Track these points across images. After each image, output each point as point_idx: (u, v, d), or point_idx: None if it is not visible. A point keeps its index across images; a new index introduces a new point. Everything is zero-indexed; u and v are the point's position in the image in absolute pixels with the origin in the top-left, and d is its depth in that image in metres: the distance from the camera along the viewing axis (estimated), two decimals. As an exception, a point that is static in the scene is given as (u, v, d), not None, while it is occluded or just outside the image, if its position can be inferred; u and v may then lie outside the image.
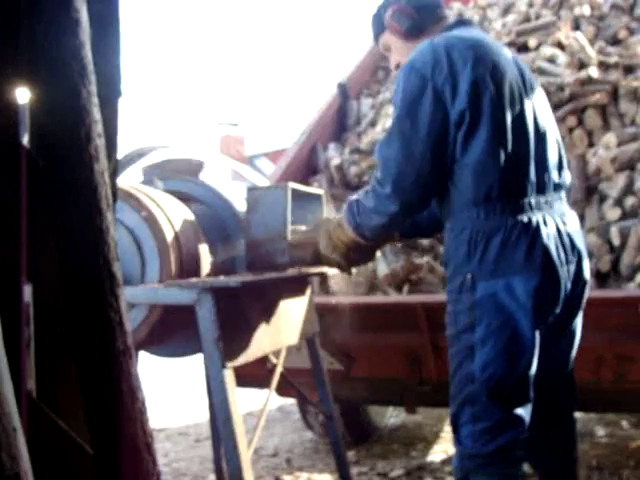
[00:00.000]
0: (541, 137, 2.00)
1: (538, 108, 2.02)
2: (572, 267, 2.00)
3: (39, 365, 1.18)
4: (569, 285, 2.00)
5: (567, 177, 2.11)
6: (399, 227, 2.19)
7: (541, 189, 1.98)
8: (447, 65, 1.89)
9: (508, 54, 2.05)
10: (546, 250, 1.92)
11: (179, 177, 2.64)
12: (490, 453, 1.97)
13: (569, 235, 1.99)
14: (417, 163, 1.92)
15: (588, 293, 2.13)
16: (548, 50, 4.12)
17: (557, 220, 1.98)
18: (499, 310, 1.94)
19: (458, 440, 2.04)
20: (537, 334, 1.97)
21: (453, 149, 1.93)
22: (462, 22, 2.17)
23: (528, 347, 1.96)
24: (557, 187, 2.03)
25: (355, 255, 2.24)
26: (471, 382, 1.99)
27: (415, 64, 1.94)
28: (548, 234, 1.94)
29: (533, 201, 1.95)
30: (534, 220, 1.93)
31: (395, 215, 2.00)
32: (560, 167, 2.06)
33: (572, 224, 2.03)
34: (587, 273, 2.07)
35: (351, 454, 3.81)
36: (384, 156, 1.99)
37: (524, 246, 1.92)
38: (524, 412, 2.00)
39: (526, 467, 2.29)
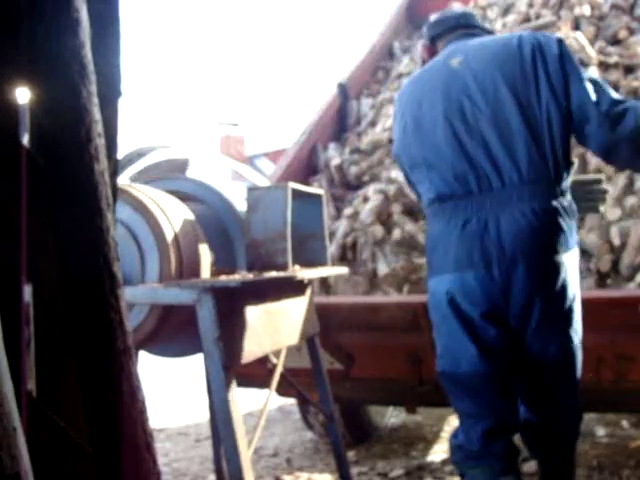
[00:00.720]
0: (474, 140, 2.00)
1: (481, 109, 2.01)
2: (508, 263, 1.94)
3: (39, 365, 1.18)
4: (506, 286, 1.95)
5: (523, 172, 1.99)
6: None
7: (469, 192, 2.00)
8: (398, 96, 2.36)
9: (453, 64, 2.11)
10: (457, 251, 1.99)
11: (179, 177, 2.64)
12: (471, 443, 2.05)
13: (501, 233, 1.95)
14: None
15: (583, 290, 2.17)
16: (548, 50, 4.12)
17: (488, 219, 1.97)
18: (437, 307, 2.09)
19: (454, 434, 2.16)
20: (470, 331, 2.00)
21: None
22: (447, 43, 2.28)
23: (465, 344, 2.00)
24: (502, 185, 1.98)
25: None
26: (438, 374, 2.14)
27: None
28: (464, 235, 1.98)
29: (458, 205, 2.02)
30: (452, 222, 2.03)
31: None
32: (515, 163, 1.98)
33: (515, 222, 1.95)
34: (547, 270, 1.97)
35: (351, 454, 3.81)
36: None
37: (442, 248, 2.04)
38: (491, 406, 2.03)
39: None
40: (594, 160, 3.41)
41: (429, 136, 2.10)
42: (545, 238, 1.97)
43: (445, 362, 2.08)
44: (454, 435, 2.15)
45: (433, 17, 2.49)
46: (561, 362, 2.12)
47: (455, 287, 2.00)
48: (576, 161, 3.39)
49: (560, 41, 2.07)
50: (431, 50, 2.35)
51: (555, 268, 1.99)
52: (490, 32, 2.39)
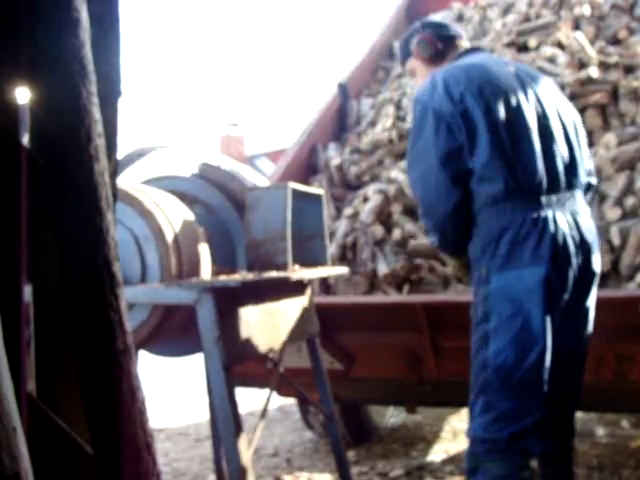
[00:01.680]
0: (548, 139, 2.17)
1: (546, 113, 2.21)
2: (580, 260, 2.13)
3: (39, 365, 1.18)
4: (577, 276, 2.12)
5: (582, 176, 2.26)
6: (453, 237, 2.26)
7: (551, 188, 2.14)
8: (443, 88, 2.16)
9: (508, 69, 2.27)
10: (554, 243, 2.07)
11: (179, 177, 2.64)
12: (501, 440, 2.06)
13: (579, 231, 2.13)
14: (433, 175, 2.15)
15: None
16: (548, 50, 4.11)
17: (567, 217, 2.13)
18: (510, 300, 2.08)
19: (472, 428, 2.14)
20: (548, 324, 2.07)
21: (462, 159, 2.14)
22: (471, 50, 2.43)
23: (539, 336, 2.07)
24: (569, 186, 2.19)
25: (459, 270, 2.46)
26: (485, 368, 2.12)
27: (418, 97, 2.25)
28: (556, 229, 2.09)
29: (542, 199, 2.11)
30: (542, 216, 2.09)
31: (439, 228, 2.23)
32: (573, 167, 2.21)
33: (584, 221, 2.18)
34: (597, 266, 2.20)
35: (351, 454, 3.81)
36: (411, 181, 2.30)
37: (533, 240, 2.07)
38: (536, 402, 2.08)
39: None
40: (594, 160, 3.41)
41: (519, 129, 2.14)
42: (596, 237, 2.23)
43: (509, 354, 2.07)
44: (475, 428, 2.13)
45: (426, 20, 2.63)
46: (583, 357, 2.27)
47: (553, 276, 2.07)
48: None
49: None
50: (437, 46, 2.43)
51: (599, 264, 2.25)
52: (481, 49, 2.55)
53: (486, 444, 2.09)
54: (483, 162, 2.11)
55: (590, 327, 2.24)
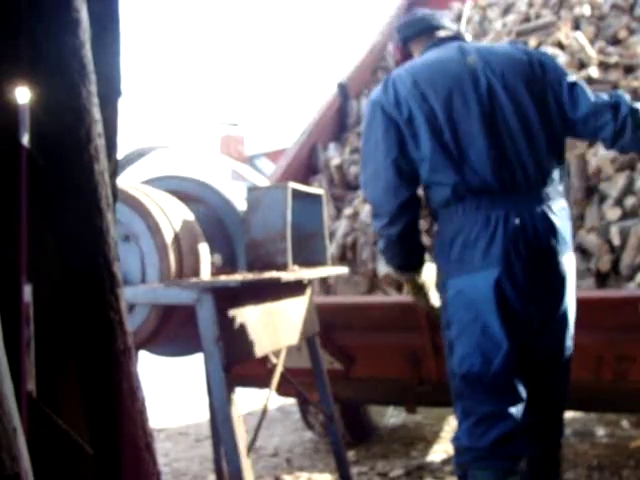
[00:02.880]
0: (504, 137, 2.08)
1: (503, 107, 2.11)
2: (543, 262, 2.05)
3: (39, 365, 1.18)
4: (542, 279, 2.06)
5: (550, 169, 2.13)
6: (401, 242, 2.21)
7: (504, 189, 2.06)
8: (392, 91, 2.16)
9: (467, 62, 2.17)
10: (505, 245, 2.01)
11: (179, 177, 2.64)
12: (484, 447, 2.03)
13: (539, 232, 2.04)
14: (382, 173, 2.13)
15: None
16: (548, 50, 4.11)
17: (525, 217, 2.04)
18: (466, 307, 2.05)
19: (456, 437, 2.11)
20: (509, 328, 2.02)
21: (411, 162, 2.13)
22: (433, 44, 2.32)
23: (500, 341, 2.02)
24: (529, 184, 2.09)
25: (417, 291, 2.39)
26: (453, 377, 2.11)
27: (371, 96, 2.25)
28: (509, 231, 2.01)
29: (495, 200, 2.05)
30: (493, 218, 2.03)
31: (386, 227, 2.17)
32: (537, 162, 2.10)
33: (547, 222, 2.07)
34: (568, 267, 2.12)
35: (351, 454, 3.81)
36: (362, 183, 2.26)
37: (483, 243, 2.02)
38: (513, 407, 2.04)
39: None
40: (594, 160, 3.41)
41: (464, 128, 2.09)
42: (565, 236, 2.11)
43: (472, 361, 2.04)
44: (458, 437, 2.10)
45: (404, 19, 2.57)
46: (568, 359, 2.20)
47: (505, 280, 2.01)
48: (575, 163, 3.41)
49: (552, 57, 2.34)
50: (404, 51, 2.43)
51: (571, 265, 2.16)
52: (461, 36, 2.42)
53: (471, 452, 2.06)
54: (428, 168, 2.09)
55: (571, 329, 2.19)
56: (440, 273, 2.17)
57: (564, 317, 2.16)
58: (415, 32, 2.39)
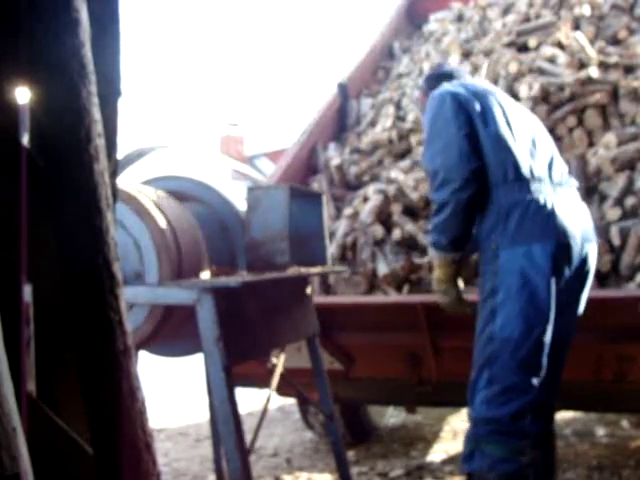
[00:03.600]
0: (536, 142, 2.38)
1: (528, 122, 2.45)
2: (580, 250, 2.23)
3: (39, 365, 1.18)
4: (577, 265, 2.23)
5: (569, 177, 2.41)
6: (466, 210, 2.31)
7: (552, 178, 2.30)
8: (462, 88, 2.41)
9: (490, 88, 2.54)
10: (561, 224, 2.20)
11: (179, 177, 2.64)
12: (502, 418, 2.12)
13: (578, 219, 2.26)
14: (455, 144, 2.28)
15: (590, 288, 2.33)
16: (548, 50, 4.11)
17: (571, 207, 2.27)
18: (518, 274, 2.16)
19: (473, 408, 2.18)
20: (553, 300, 2.15)
21: (478, 139, 2.30)
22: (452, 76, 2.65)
23: (544, 310, 2.15)
24: (566, 182, 2.34)
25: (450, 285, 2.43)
26: (491, 342, 2.18)
27: (434, 93, 2.45)
28: (562, 212, 2.22)
29: (548, 185, 2.27)
30: (549, 199, 2.23)
31: (457, 192, 2.26)
32: (562, 167, 2.38)
33: (582, 213, 2.32)
34: (593, 259, 2.31)
35: (351, 454, 3.81)
36: (429, 157, 2.37)
37: (540, 218, 2.20)
38: (537, 380, 2.15)
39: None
40: (594, 160, 3.41)
41: (519, 128, 2.36)
42: (592, 229, 2.35)
43: (516, 326, 2.14)
44: (476, 407, 2.17)
45: (431, 71, 2.86)
46: (570, 344, 2.30)
47: (559, 253, 2.17)
48: (575, 163, 3.41)
49: None
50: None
51: (595, 254, 2.36)
52: None
53: (489, 425, 2.14)
54: (494, 145, 2.27)
55: (576, 324, 2.31)
56: (488, 246, 2.26)
57: (577, 309, 2.31)
58: (440, 81, 2.60)
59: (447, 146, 2.30)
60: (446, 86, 2.46)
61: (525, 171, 2.26)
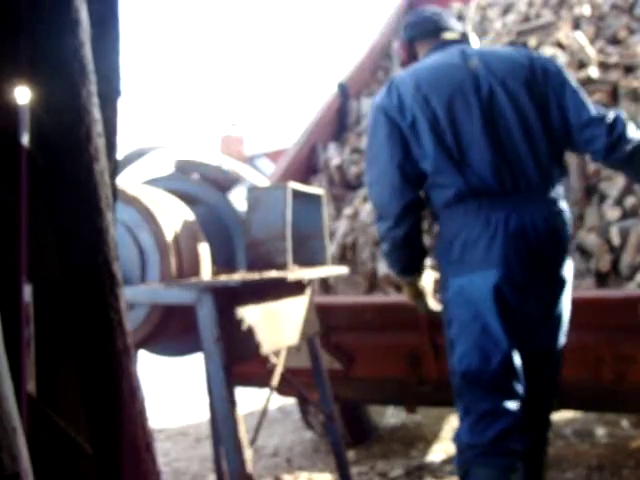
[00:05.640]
0: (504, 140, 2.13)
1: (503, 111, 2.15)
2: (542, 264, 2.10)
3: (39, 365, 1.18)
4: (540, 280, 2.11)
5: (551, 171, 2.18)
6: (404, 245, 2.24)
7: (505, 191, 2.10)
8: (396, 96, 2.21)
9: (469, 66, 2.21)
10: (505, 247, 2.05)
11: (179, 177, 2.64)
12: (485, 444, 2.05)
13: (539, 235, 2.08)
14: (387, 177, 2.17)
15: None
16: (548, 50, 4.11)
17: (526, 220, 2.08)
18: (466, 306, 2.08)
19: (457, 435, 2.14)
20: (507, 328, 2.06)
21: (416, 163, 2.17)
22: (438, 46, 2.37)
23: (499, 340, 2.06)
24: (530, 187, 2.12)
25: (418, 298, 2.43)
26: (453, 374, 2.15)
27: (374, 102, 2.29)
28: (509, 233, 2.06)
29: (495, 202, 2.09)
30: (494, 219, 2.07)
31: (391, 229, 2.20)
32: (537, 165, 2.14)
33: (546, 224, 2.11)
34: (566, 272, 2.19)
35: (351, 454, 3.81)
36: (367, 183, 2.31)
37: (483, 243, 2.06)
38: (512, 404, 2.08)
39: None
40: (594, 160, 3.41)
41: (466, 132, 2.13)
42: (564, 239, 2.17)
43: (471, 360, 2.09)
44: (459, 435, 2.13)
45: (411, 17, 2.57)
46: (559, 357, 2.26)
47: (504, 281, 2.05)
48: (575, 163, 3.41)
49: (556, 61, 2.36)
50: (410, 50, 2.47)
51: (570, 267, 2.23)
52: (467, 37, 2.43)
53: (473, 449, 2.08)
54: (431, 170, 2.14)
55: (564, 330, 2.25)
56: (441, 273, 2.21)
57: (559, 318, 2.22)
58: (421, 33, 2.43)
59: (380, 177, 2.20)
60: (384, 90, 2.26)
61: (468, 193, 2.09)
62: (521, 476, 2.11)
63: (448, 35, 2.39)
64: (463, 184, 2.10)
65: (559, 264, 2.16)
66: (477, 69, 2.20)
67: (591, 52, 3.91)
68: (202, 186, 2.63)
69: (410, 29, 2.47)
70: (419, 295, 2.40)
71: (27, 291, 1.15)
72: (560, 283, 2.18)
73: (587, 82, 3.71)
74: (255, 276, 2.18)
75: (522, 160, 2.13)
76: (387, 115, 2.20)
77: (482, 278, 2.06)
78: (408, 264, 2.30)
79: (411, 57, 2.46)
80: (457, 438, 2.14)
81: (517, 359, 2.09)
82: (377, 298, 3.24)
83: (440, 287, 2.23)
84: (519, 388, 2.10)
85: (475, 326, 2.07)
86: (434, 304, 2.42)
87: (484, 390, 2.08)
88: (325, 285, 3.49)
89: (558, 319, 2.21)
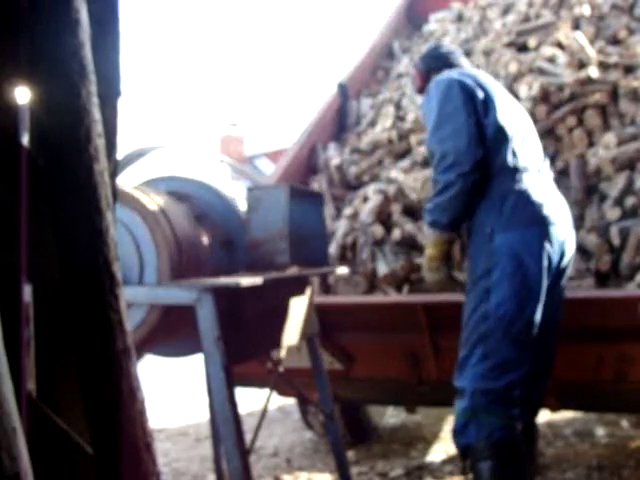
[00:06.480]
0: (528, 136, 2.57)
1: (520, 114, 2.62)
2: (563, 234, 2.41)
3: (39, 365, 1.18)
4: (561, 246, 2.39)
5: (547, 167, 2.62)
6: (470, 193, 2.42)
7: (538, 169, 2.49)
8: (468, 76, 2.55)
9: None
10: (549, 212, 2.38)
11: (179, 177, 2.64)
12: (499, 389, 2.24)
13: (561, 209, 2.47)
14: (465, 129, 2.41)
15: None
16: (548, 50, 4.11)
17: (553, 196, 2.47)
18: (513, 257, 2.31)
19: (467, 380, 2.29)
20: (544, 281, 2.30)
21: (482, 129, 2.44)
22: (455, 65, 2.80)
23: (536, 290, 2.29)
24: (547, 173, 2.56)
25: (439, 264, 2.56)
26: (485, 320, 2.30)
27: (443, 78, 2.57)
28: (549, 202, 2.40)
29: (537, 176, 2.45)
30: (539, 190, 2.41)
31: (465, 174, 2.38)
32: (541, 159, 2.58)
33: (563, 203, 2.52)
34: (572, 242, 2.50)
35: (351, 454, 3.81)
36: (437, 140, 2.46)
37: (533, 206, 2.36)
38: (528, 355, 2.29)
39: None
40: (594, 160, 3.41)
41: (515, 122, 2.52)
42: (570, 218, 2.53)
43: (510, 306, 2.27)
44: (471, 380, 2.27)
45: (428, 52, 2.89)
46: (558, 326, 2.43)
47: (550, 238, 2.35)
48: (575, 163, 3.41)
49: None
50: (426, 79, 2.78)
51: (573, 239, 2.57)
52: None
53: (487, 396, 2.25)
54: (492, 135, 2.42)
55: (562, 306, 2.46)
56: (484, 225, 2.39)
57: (562, 290, 2.47)
58: (438, 66, 2.76)
59: (457, 131, 2.41)
60: (450, 73, 2.58)
61: (519, 162, 2.42)
62: (521, 429, 2.29)
63: (457, 59, 2.81)
64: (513, 154, 2.43)
65: (571, 239, 2.48)
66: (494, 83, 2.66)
67: (591, 52, 3.91)
68: (202, 186, 2.63)
69: (428, 61, 2.82)
70: (444, 258, 2.51)
71: (27, 291, 1.15)
72: (570, 260, 2.48)
73: (587, 82, 3.71)
74: (255, 276, 2.18)
75: (539, 151, 2.59)
76: (464, 87, 2.48)
77: (532, 234, 2.33)
78: (460, 215, 2.46)
79: (425, 85, 2.76)
80: (468, 382, 2.28)
81: (547, 316, 2.31)
82: (377, 298, 3.24)
83: (478, 242, 2.39)
84: (537, 340, 2.29)
85: (517, 275, 2.28)
86: (452, 275, 2.57)
87: (510, 338, 2.26)
88: (325, 285, 3.49)
89: (561, 290, 2.46)
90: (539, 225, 2.35)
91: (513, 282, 2.29)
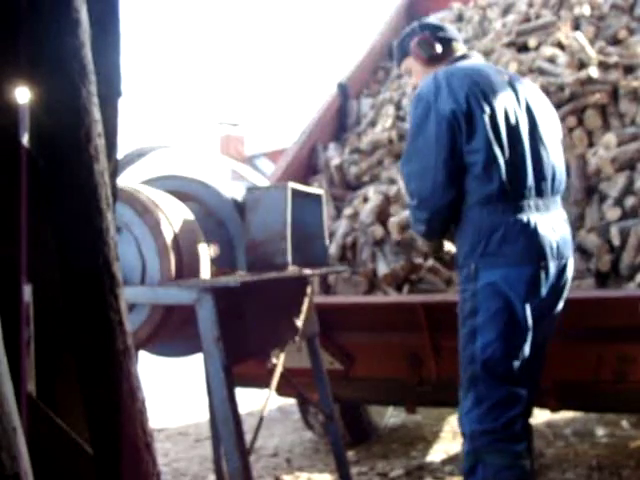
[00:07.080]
0: (537, 145, 2.29)
1: (536, 120, 2.31)
2: (557, 264, 2.26)
3: (39, 365, 1.18)
4: (553, 280, 2.25)
5: (563, 182, 2.40)
6: (440, 228, 2.37)
7: (538, 193, 2.25)
8: (447, 89, 2.23)
9: (502, 77, 2.36)
10: (541, 246, 2.20)
11: (179, 177, 2.64)
12: (499, 428, 2.17)
13: (557, 237, 2.26)
14: (431, 172, 2.23)
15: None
16: (548, 50, 4.11)
17: (550, 222, 2.26)
18: (498, 296, 2.18)
19: (466, 425, 2.22)
20: (530, 319, 2.20)
21: (460, 158, 2.22)
22: (465, 56, 2.51)
23: (523, 330, 2.19)
24: (553, 192, 2.32)
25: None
26: (472, 362, 2.22)
27: (421, 94, 2.30)
28: (544, 233, 2.22)
29: (531, 203, 2.23)
30: (532, 221, 2.21)
31: (428, 221, 2.31)
32: (557, 173, 2.34)
33: (562, 228, 2.31)
34: (570, 272, 2.34)
35: (351, 454, 3.81)
36: (406, 173, 2.35)
37: (522, 242, 2.19)
38: (523, 391, 2.21)
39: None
40: (594, 160, 3.41)
41: (514, 132, 2.24)
42: (570, 243, 2.35)
43: (496, 348, 2.18)
44: (469, 424, 2.21)
45: (435, 21, 2.71)
46: (550, 338, 2.36)
47: (537, 276, 2.20)
48: (575, 163, 3.41)
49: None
50: (424, 69, 2.51)
51: (572, 266, 2.38)
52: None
53: (487, 436, 2.18)
54: (481, 162, 2.20)
55: (553, 328, 2.36)
56: (467, 263, 2.27)
57: (556, 316, 2.35)
58: (447, 37, 2.51)
59: (423, 174, 2.25)
60: (446, 74, 2.28)
61: (510, 191, 2.20)
62: (530, 463, 2.21)
63: (461, 46, 2.55)
64: (507, 181, 2.20)
65: (568, 266, 2.31)
66: (510, 80, 2.35)
67: (591, 52, 3.91)
68: (202, 186, 2.63)
69: (434, 29, 2.53)
70: (441, 246, 2.55)
71: (27, 291, 1.15)
72: (566, 284, 2.33)
73: (587, 82, 3.71)
74: (255, 276, 2.18)
75: (551, 167, 2.30)
76: (436, 108, 2.22)
77: (518, 272, 2.18)
78: (441, 236, 2.46)
79: (437, 54, 2.49)
80: (466, 427, 2.22)
81: (534, 348, 2.22)
82: (377, 298, 3.24)
83: (464, 278, 2.28)
84: (531, 375, 2.23)
85: (503, 317, 2.18)
86: (449, 245, 2.53)
87: (501, 378, 2.19)
88: (325, 285, 3.49)
89: (555, 317, 2.34)
90: (526, 263, 2.19)
91: (499, 323, 2.18)
